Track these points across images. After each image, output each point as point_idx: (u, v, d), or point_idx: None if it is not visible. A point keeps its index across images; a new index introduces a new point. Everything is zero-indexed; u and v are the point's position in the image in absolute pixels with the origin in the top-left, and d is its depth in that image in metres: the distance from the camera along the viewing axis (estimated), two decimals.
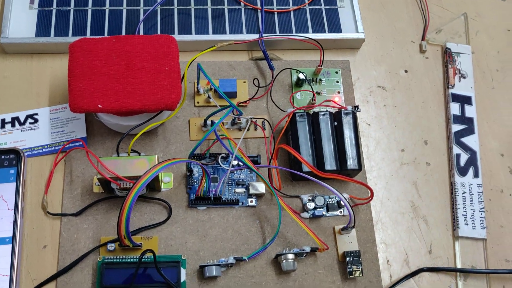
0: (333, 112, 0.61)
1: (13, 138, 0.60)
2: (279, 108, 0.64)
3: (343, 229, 0.58)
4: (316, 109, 0.62)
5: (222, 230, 0.58)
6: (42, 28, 0.64)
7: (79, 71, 0.55)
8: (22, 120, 0.61)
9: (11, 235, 0.54)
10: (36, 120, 0.61)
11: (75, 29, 0.64)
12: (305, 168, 0.58)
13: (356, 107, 0.61)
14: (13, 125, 0.60)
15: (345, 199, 0.55)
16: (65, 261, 0.55)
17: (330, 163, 0.58)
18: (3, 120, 0.60)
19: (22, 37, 0.63)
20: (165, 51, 0.57)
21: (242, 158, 0.56)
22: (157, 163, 0.54)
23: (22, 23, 0.64)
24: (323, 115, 0.60)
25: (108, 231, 0.57)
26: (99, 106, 0.54)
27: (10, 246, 0.54)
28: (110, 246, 0.55)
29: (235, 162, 0.58)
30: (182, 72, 0.58)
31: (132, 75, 0.56)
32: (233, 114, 0.61)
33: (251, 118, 0.62)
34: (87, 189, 0.58)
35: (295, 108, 0.60)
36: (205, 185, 0.57)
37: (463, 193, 0.62)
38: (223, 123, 0.62)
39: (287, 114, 0.60)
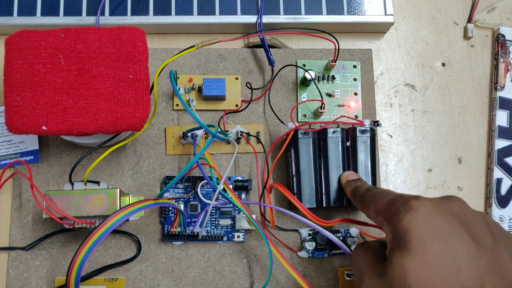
0: (346, 128, 0.48)
1: None
2: (278, 118, 0.51)
3: (349, 275, 0.48)
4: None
5: (202, 271, 0.48)
6: None
7: (17, 79, 0.43)
8: None
9: None
10: None
11: (22, 6, 0.50)
12: (306, 204, 0.47)
13: (375, 122, 0.48)
14: None
15: (346, 242, 0.44)
16: None
17: (336, 198, 0.47)
18: None
19: None
20: (129, 51, 0.44)
21: (227, 193, 0.45)
22: (118, 198, 0.43)
23: None
24: (333, 132, 0.47)
25: (64, 270, 0.47)
26: (43, 128, 0.42)
27: None
28: None
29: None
30: (152, 80, 0.45)
31: (85, 85, 0.43)
32: (219, 127, 0.49)
33: (241, 132, 0.49)
34: (39, 216, 0.48)
35: (295, 126, 0.47)
36: (180, 222, 0.46)
37: None
38: (206, 134, 0.49)
39: (286, 132, 0.47)
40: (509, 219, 0.51)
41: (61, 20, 0.50)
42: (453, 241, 0.33)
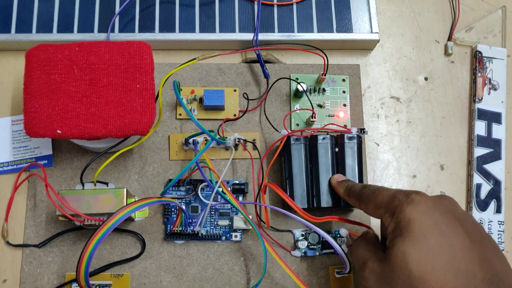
0: (335, 135, 0.53)
1: None
2: (273, 127, 0.55)
3: (339, 273, 0.51)
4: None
5: (202, 268, 0.52)
6: (2, 23, 0.55)
7: (35, 87, 0.47)
8: None
9: None
10: None
11: (40, 24, 0.55)
12: (298, 204, 0.50)
13: (362, 130, 0.52)
14: None
15: (336, 241, 0.47)
16: None
17: (326, 200, 0.51)
18: None
19: None
20: (136, 63, 0.48)
21: (224, 193, 0.49)
22: (125, 197, 0.47)
23: None
24: (323, 139, 0.52)
25: (74, 266, 0.51)
26: (58, 131, 0.46)
27: None
28: (75, 286, 0.49)
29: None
30: (157, 90, 0.49)
31: (96, 93, 0.47)
32: (218, 134, 0.53)
33: (238, 139, 0.53)
34: (52, 216, 0.52)
35: (288, 132, 0.51)
36: (181, 221, 0.50)
37: None
38: (206, 141, 0.54)
39: (279, 139, 0.52)
40: (489, 222, 0.55)
41: (75, 36, 0.55)
42: (450, 233, 0.37)
